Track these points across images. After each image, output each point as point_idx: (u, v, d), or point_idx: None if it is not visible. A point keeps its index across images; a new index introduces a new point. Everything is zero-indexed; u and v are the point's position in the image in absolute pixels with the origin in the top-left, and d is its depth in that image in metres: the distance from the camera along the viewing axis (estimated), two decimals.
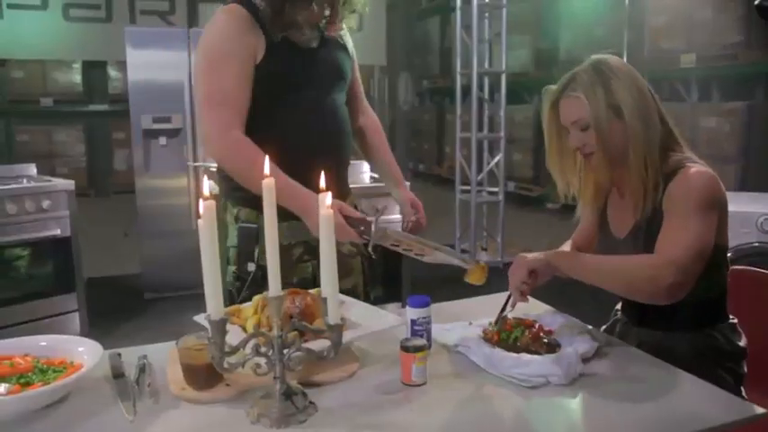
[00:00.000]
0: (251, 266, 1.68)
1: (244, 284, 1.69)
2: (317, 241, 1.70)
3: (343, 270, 1.75)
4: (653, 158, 1.44)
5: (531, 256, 1.47)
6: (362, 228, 1.55)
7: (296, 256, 1.73)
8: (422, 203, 1.96)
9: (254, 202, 1.56)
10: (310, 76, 1.74)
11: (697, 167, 1.43)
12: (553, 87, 1.52)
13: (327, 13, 1.70)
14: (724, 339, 1.49)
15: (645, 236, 1.47)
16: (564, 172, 1.59)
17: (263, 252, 1.64)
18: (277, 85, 1.69)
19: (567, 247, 1.74)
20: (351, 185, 1.96)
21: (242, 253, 1.71)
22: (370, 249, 1.58)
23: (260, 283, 1.64)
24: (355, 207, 1.87)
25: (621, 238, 1.54)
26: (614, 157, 1.47)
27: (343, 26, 1.85)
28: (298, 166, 1.61)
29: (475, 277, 1.54)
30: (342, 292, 1.72)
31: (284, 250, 1.69)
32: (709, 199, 1.40)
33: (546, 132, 1.57)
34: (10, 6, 7.62)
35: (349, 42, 1.90)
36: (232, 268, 1.73)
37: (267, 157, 1.14)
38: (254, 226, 1.70)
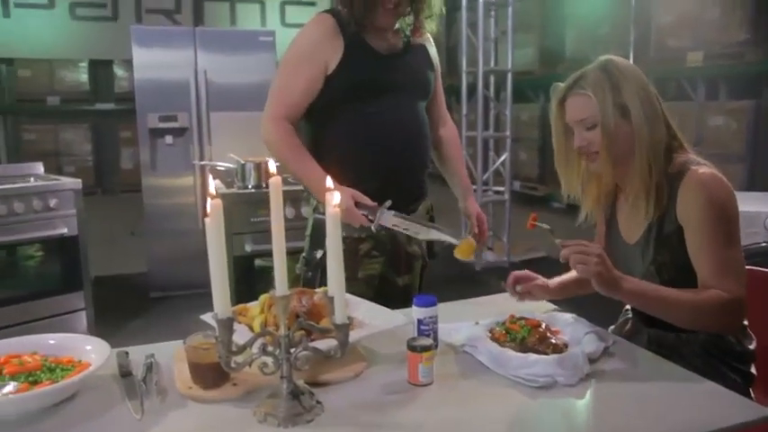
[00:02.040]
0: (319, 253, 1.81)
1: (310, 268, 1.85)
2: (388, 237, 1.78)
3: (406, 267, 1.92)
4: (657, 161, 1.43)
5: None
6: (368, 213, 1.69)
7: (363, 251, 1.83)
8: (486, 219, 2.09)
9: None
10: (390, 82, 1.83)
11: (705, 169, 1.42)
12: (561, 84, 1.52)
13: (410, 20, 1.82)
14: (735, 341, 1.48)
15: (655, 241, 1.46)
16: (569, 172, 1.59)
17: None
18: (357, 89, 1.79)
19: None
20: None
21: (314, 241, 1.85)
22: (374, 230, 1.70)
23: (325, 268, 1.74)
24: (431, 209, 2.00)
25: (632, 243, 1.53)
26: (618, 159, 1.46)
27: (428, 33, 1.93)
28: (376, 168, 1.78)
29: (462, 252, 1.63)
30: (399, 287, 1.87)
31: (353, 244, 1.80)
32: (735, 213, 1.41)
33: (553, 131, 1.56)
34: (17, 5, 7.69)
35: (433, 53, 1.97)
36: (303, 254, 1.88)
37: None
38: None
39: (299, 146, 1.80)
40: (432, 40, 1.98)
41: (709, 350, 1.46)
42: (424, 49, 1.93)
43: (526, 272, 1.60)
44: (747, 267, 1.47)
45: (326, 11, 1.84)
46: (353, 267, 1.78)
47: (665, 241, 1.45)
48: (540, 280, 1.61)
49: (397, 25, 1.83)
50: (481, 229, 2.04)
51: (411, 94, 1.87)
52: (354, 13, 1.75)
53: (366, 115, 1.80)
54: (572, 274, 1.68)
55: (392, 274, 1.87)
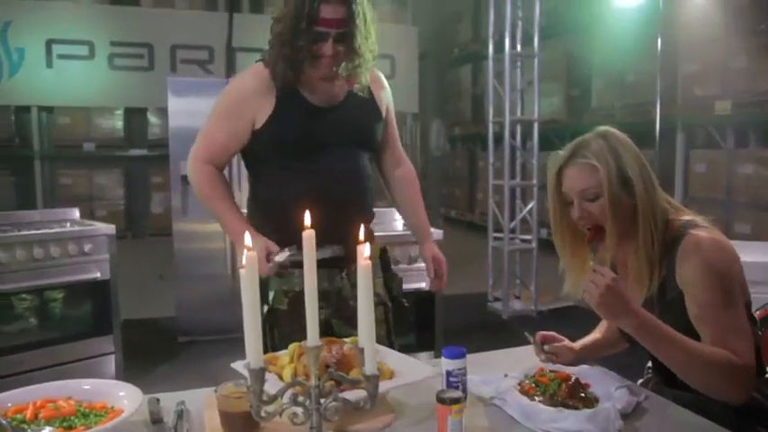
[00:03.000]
0: (264, 308, 1.78)
1: None
2: (332, 289, 1.77)
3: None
4: (658, 232, 1.42)
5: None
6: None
7: None
8: (445, 261, 1.99)
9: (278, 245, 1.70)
10: (323, 136, 1.78)
11: (703, 232, 1.40)
12: (560, 153, 1.50)
13: (346, 69, 1.76)
14: (761, 396, 1.45)
15: (658, 306, 1.45)
16: (563, 243, 1.56)
17: (276, 296, 1.79)
18: (286, 145, 1.77)
19: (600, 330, 1.72)
20: (384, 233, 2.00)
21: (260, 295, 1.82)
22: (268, 272, 1.70)
23: (272, 324, 1.78)
24: (384, 252, 1.95)
25: None
26: (622, 230, 1.44)
27: (380, 75, 1.90)
28: (302, 221, 1.65)
29: None
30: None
31: (298, 296, 1.76)
32: (734, 275, 1.39)
33: (550, 201, 1.54)
34: (60, 57, 8.00)
35: (383, 97, 1.91)
36: None
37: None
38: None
39: (219, 188, 1.81)
40: (384, 81, 1.93)
41: (737, 409, 1.41)
42: (368, 93, 1.86)
43: (553, 333, 1.59)
44: None
45: (264, 59, 1.79)
46: (304, 317, 1.75)
47: (668, 307, 1.43)
48: (567, 342, 1.61)
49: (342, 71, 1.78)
50: (438, 272, 1.97)
51: (349, 145, 1.82)
52: (283, 74, 1.72)
53: (298, 170, 1.78)
54: (595, 336, 1.68)
55: (341, 325, 1.79)
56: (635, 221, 1.43)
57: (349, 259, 1.80)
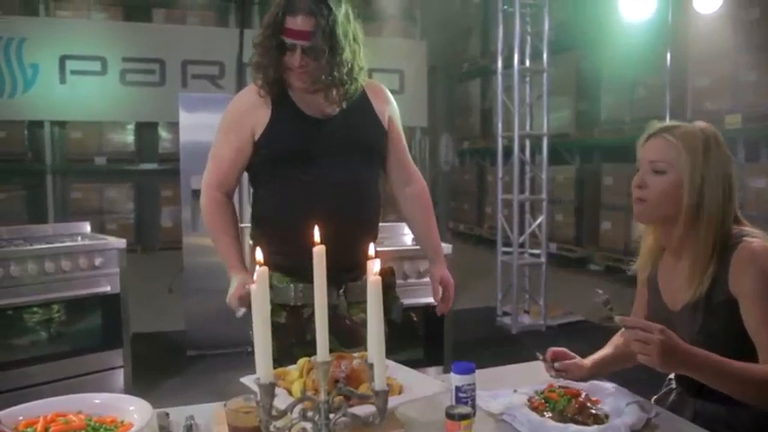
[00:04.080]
0: None
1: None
2: (328, 306, 1.76)
3: (356, 339, 1.80)
4: (723, 239, 1.41)
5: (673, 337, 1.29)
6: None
7: (306, 315, 1.78)
8: (453, 284, 1.96)
9: (285, 269, 1.73)
10: (320, 146, 1.78)
11: (757, 241, 1.40)
12: (657, 124, 1.50)
13: (324, 82, 1.75)
14: None
15: (705, 309, 1.43)
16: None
17: (274, 309, 1.76)
18: (282, 155, 1.79)
19: (610, 346, 1.70)
20: (392, 248, 1.99)
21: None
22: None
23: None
24: (390, 274, 1.90)
25: (676, 310, 1.50)
26: (665, 215, 1.45)
27: (383, 88, 1.91)
28: (306, 237, 1.63)
29: None
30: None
31: (295, 310, 1.79)
32: None
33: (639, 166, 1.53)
34: (73, 72, 8.12)
35: (384, 110, 1.89)
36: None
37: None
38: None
39: (222, 221, 1.84)
40: (389, 96, 1.91)
41: (762, 423, 1.41)
42: (368, 106, 1.85)
43: (564, 349, 1.59)
44: None
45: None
46: (301, 330, 1.76)
47: (715, 310, 1.42)
48: (577, 359, 1.60)
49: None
50: (446, 294, 1.94)
51: (347, 156, 1.80)
52: (266, 78, 1.77)
53: (295, 181, 1.78)
54: (606, 351, 1.66)
55: (335, 342, 1.67)
56: (678, 217, 1.42)
57: (347, 274, 1.81)
